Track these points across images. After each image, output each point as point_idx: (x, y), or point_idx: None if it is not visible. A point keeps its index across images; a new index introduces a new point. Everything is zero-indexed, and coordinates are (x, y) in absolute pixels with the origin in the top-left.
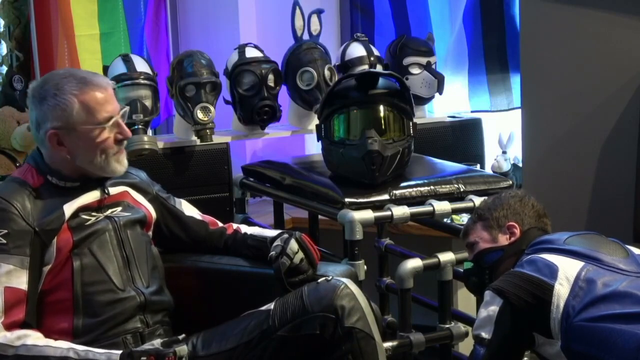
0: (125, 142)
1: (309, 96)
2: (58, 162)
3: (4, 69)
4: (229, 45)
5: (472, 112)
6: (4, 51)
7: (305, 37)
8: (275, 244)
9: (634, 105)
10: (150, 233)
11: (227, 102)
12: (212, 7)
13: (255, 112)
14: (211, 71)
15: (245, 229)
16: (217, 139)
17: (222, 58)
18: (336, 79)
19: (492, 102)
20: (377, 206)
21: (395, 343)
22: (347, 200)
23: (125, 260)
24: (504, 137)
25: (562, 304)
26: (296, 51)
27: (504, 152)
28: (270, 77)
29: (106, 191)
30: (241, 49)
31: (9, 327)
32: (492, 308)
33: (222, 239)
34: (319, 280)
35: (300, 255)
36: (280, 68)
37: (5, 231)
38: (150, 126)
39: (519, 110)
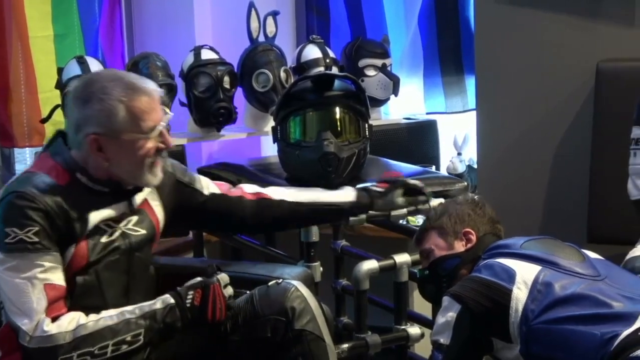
0: (165, 153)
1: (265, 98)
2: (91, 165)
3: None
4: (185, 47)
5: (427, 113)
6: None
7: (261, 38)
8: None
9: (587, 107)
10: (153, 248)
11: (182, 104)
12: (168, 9)
13: (211, 114)
14: (167, 73)
15: (262, 191)
16: (172, 141)
17: (177, 60)
18: (292, 80)
19: (447, 104)
20: None
21: (351, 344)
22: None
23: (125, 287)
24: (459, 139)
25: (520, 308)
26: (252, 53)
27: (459, 154)
28: (226, 79)
29: (132, 206)
30: (197, 50)
31: (55, 320)
32: (450, 314)
33: (243, 207)
34: (269, 284)
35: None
36: (235, 70)
37: (37, 228)
38: None
39: (474, 112)
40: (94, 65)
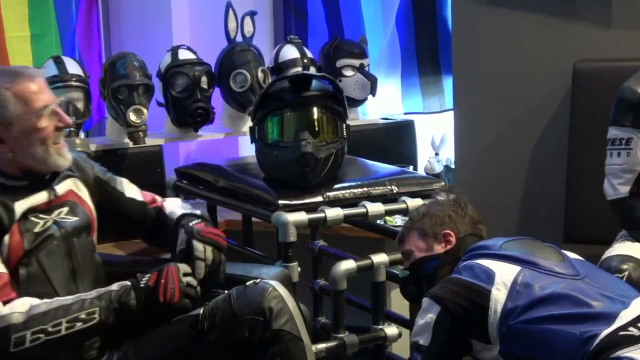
0: (65, 132)
1: (243, 98)
2: (0, 162)
3: None
4: (162, 47)
5: (405, 114)
6: None
7: (239, 39)
8: (179, 247)
9: (564, 107)
10: (94, 237)
11: (160, 104)
12: (145, 9)
13: (189, 114)
14: (144, 73)
15: (167, 205)
16: (150, 141)
17: (155, 60)
18: (269, 81)
19: (424, 104)
20: (310, 208)
21: (328, 344)
22: (280, 202)
23: (71, 271)
24: (436, 139)
25: (499, 309)
26: (229, 53)
27: (437, 154)
28: (204, 79)
29: (54, 192)
30: (174, 50)
31: (5, 304)
32: (429, 315)
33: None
34: (247, 284)
35: (209, 250)
36: (213, 70)
37: None
38: (82, 129)
39: (452, 112)
40: (71, 66)
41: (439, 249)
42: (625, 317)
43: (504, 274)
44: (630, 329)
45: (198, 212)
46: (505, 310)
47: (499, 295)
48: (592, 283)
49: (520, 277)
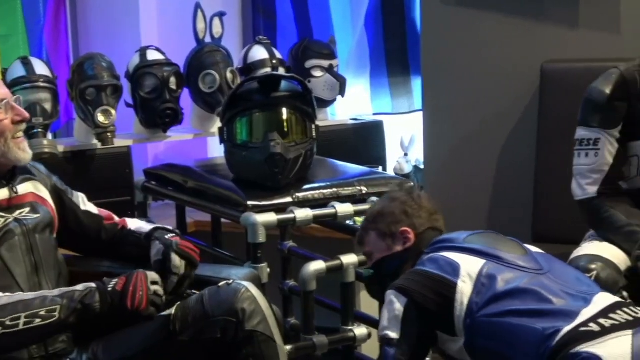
0: (24, 125)
1: (211, 99)
2: None
3: None
4: (130, 47)
5: (374, 114)
6: None
7: (208, 39)
8: (154, 257)
9: (533, 108)
10: (55, 235)
11: (128, 105)
12: (113, 10)
13: (157, 115)
14: (112, 74)
15: (130, 223)
16: (118, 142)
17: (123, 60)
18: (238, 81)
19: (393, 105)
20: (280, 209)
21: (298, 345)
22: (249, 203)
23: (33, 266)
24: (405, 140)
25: (466, 301)
26: (198, 54)
27: (406, 155)
28: (172, 79)
29: (15, 190)
30: (142, 51)
31: None
32: (397, 307)
33: (113, 235)
34: (220, 285)
35: (183, 264)
36: (182, 71)
37: None
38: (50, 130)
39: (421, 113)
40: (39, 66)
41: (398, 247)
42: (586, 314)
43: (469, 267)
44: (590, 324)
45: (170, 227)
46: (471, 303)
47: (465, 288)
48: (554, 279)
49: (485, 269)
